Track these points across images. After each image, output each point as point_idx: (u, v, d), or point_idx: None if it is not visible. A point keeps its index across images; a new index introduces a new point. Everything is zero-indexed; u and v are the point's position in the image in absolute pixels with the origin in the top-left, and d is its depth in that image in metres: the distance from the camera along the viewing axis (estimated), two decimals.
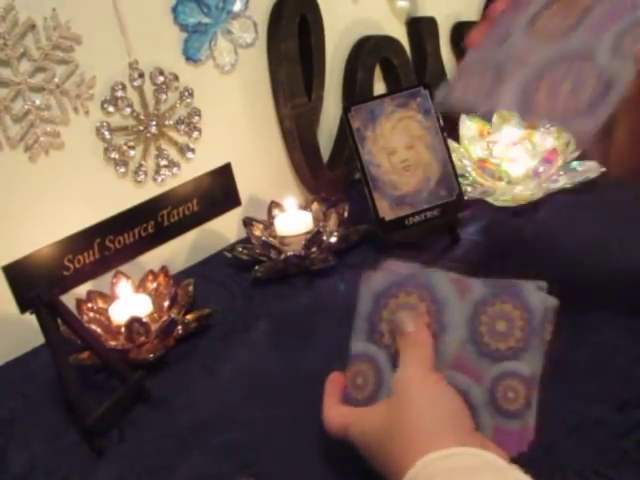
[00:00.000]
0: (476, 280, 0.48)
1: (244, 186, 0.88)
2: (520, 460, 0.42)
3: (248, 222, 0.82)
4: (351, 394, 0.49)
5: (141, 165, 0.78)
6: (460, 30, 1.11)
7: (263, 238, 0.80)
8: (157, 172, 0.79)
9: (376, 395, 0.48)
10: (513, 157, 0.87)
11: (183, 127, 0.80)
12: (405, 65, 1.00)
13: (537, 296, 0.46)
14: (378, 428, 0.44)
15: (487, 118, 0.91)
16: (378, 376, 0.48)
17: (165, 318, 0.67)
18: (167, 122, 0.78)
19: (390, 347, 0.48)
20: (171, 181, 0.81)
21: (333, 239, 0.79)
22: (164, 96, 0.77)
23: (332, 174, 0.94)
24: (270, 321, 0.70)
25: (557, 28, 0.50)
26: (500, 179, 0.85)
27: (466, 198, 0.80)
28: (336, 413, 0.48)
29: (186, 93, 0.79)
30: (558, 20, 0.51)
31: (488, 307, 0.46)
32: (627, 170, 0.51)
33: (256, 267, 0.77)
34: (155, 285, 0.73)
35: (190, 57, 0.79)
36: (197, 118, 0.81)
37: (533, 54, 0.50)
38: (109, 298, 0.71)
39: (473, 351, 0.46)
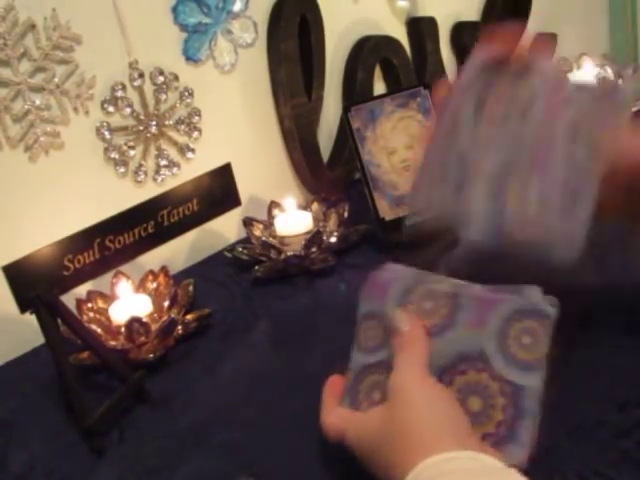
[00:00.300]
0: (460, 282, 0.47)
1: (244, 186, 0.88)
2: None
3: (248, 222, 0.82)
4: (362, 402, 0.47)
5: (141, 165, 0.78)
6: (460, 30, 1.11)
7: (263, 238, 0.80)
8: (157, 172, 0.79)
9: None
10: None
11: (183, 127, 0.80)
12: (405, 65, 1.00)
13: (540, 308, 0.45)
14: (376, 432, 0.44)
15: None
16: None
17: (165, 318, 0.67)
18: (167, 122, 0.78)
19: None
20: (171, 181, 0.81)
21: (333, 239, 0.79)
22: (164, 96, 0.77)
23: (332, 174, 0.94)
24: (270, 321, 0.70)
25: (507, 112, 0.48)
26: None
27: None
28: (334, 416, 0.48)
29: (186, 93, 0.79)
30: (506, 102, 0.48)
31: (503, 334, 0.45)
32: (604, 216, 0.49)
33: (256, 267, 0.77)
34: (155, 285, 0.73)
35: (190, 57, 0.79)
36: (197, 118, 0.81)
37: (488, 150, 0.48)
38: (109, 298, 0.71)
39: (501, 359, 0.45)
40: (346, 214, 0.82)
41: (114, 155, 0.75)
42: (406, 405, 0.43)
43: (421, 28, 1.03)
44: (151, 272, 0.74)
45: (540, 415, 0.44)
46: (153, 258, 0.80)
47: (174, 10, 0.77)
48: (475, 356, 0.45)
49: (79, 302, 0.69)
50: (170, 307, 0.70)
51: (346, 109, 0.78)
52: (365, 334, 0.50)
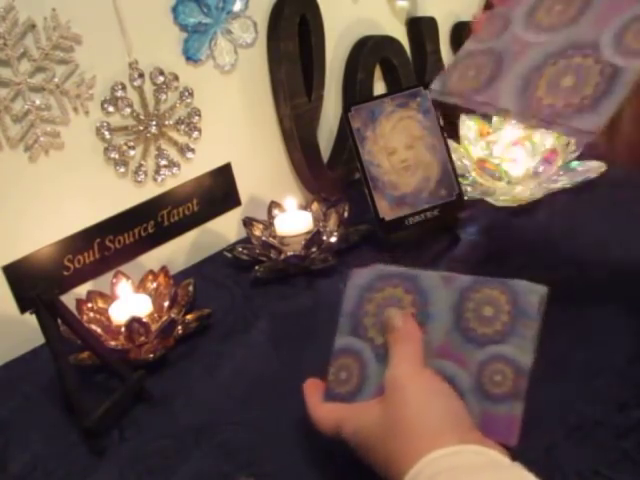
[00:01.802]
0: (464, 275, 0.48)
1: (244, 186, 0.88)
2: (520, 460, 0.42)
3: (248, 222, 0.82)
4: (334, 389, 0.49)
5: (141, 165, 0.78)
6: (460, 30, 1.11)
7: (263, 238, 0.80)
8: (157, 172, 0.79)
9: (361, 389, 0.48)
10: (513, 157, 0.87)
11: (183, 127, 0.80)
12: (405, 65, 1.00)
13: (524, 283, 0.46)
14: (374, 427, 0.43)
15: (481, 115, 0.91)
16: (362, 370, 0.48)
17: (165, 318, 0.67)
18: (167, 122, 0.78)
19: (374, 340, 0.49)
20: (171, 181, 0.81)
21: (333, 239, 0.79)
22: (164, 96, 0.77)
23: (332, 174, 0.94)
24: (270, 321, 0.70)
25: (557, 20, 0.50)
26: (500, 179, 0.85)
27: (466, 198, 0.80)
28: (326, 410, 0.48)
29: (186, 93, 0.79)
30: (558, 11, 0.50)
31: (473, 293, 0.47)
32: (635, 158, 0.50)
33: (256, 267, 0.77)
34: (155, 285, 0.73)
35: (190, 57, 0.79)
36: (197, 118, 0.81)
37: (532, 47, 0.50)
38: (109, 298, 0.71)
39: (459, 337, 0.46)
40: (346, 214, 0.82)
41: (114, 155, 0.75)
42: (404, 400, 0.43)
43: (421, 28, 1.03)
44: (151, 272, 0.74)
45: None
46: (153, 258, 0.80)
47: (174, 10, 0.77)
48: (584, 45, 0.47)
49: (79, 302, 0.69)
50: (170, 307, 0.70)
51: (346, 109, 0.78)
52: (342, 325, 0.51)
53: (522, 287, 0.46)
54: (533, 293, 0.46)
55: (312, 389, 0.50)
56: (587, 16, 0.49)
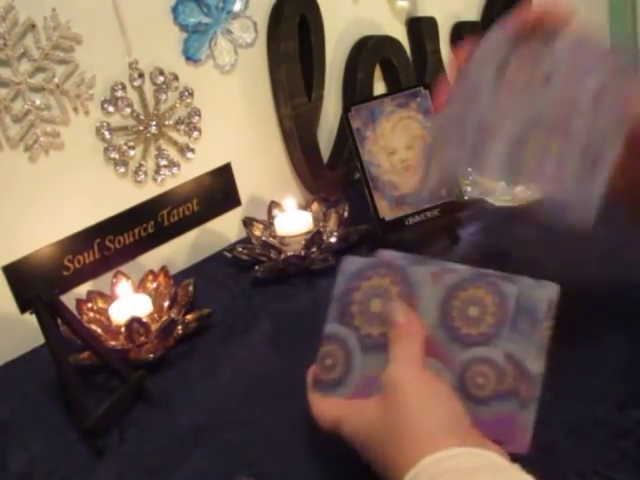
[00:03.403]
0: (455, 265, 0.48)
1: (244, 186, 0.88)
2: (520, 460, 0.41)
3: (248, 222, 0.82)
4: (319, 375, 0.49)
5: (141, 165, 0.78)
6: (460, 30, 1.11)
7: (263, 238, 0.80)
8: (157, 172, 0.79)
9: (345, 378, 0.48)
10: None
11: (183, 127, 0.80)
12: (405, 65, 1.00)
13: (531, 280, 0.45)
14: (374, 427, 0.43)
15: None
16: (347, 358, 0.48)
17: (165, 318, 0.67)
18: (167, 122, 0.78)
19: (360, 329, 0.48)
20: (171, 181, 0.81)
21: (333, 239, 0.79)
22: (164, 96, 0.77)
23: (332, 174, 0.94)
24: (270, 321, 0.70)
25: (529, 78, 0.48)
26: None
27: (466, 198, 0.80)
28: (327, 406, 0.47)
29: (186, 93, 0.79)
30: (528, 69, 0.48)
31: (460, 292, 0.46)
32: (616, 200, 0.49)
33: (256, 267, 0.76)
34: (155, 285, 0.73)
35: (190, 57, 0.79)
36: (197, 118, 0.81)
37: (508, 115, 0.47)
38: (109, 298, 0.71)
39: (444, 335, 0.46)
40: (346, 214, 0.82)
41: (114, 155, 0.75)
42: (404, 402, 0.42)
43: (421, 28, 1.03)
44: (151, 272, 0.74)
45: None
46: (153, 258, 0.80)
47: (174, 10, 0.77)
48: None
49: (79, 302, 0.69)
50: (170, 307, 0.70)
51: (346, 109, 0.78)
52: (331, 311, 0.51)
53: (529, 284, 0.45)
54: (541, 291, 0.45)
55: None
56: (558, 76, 0.46)
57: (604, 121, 0.44)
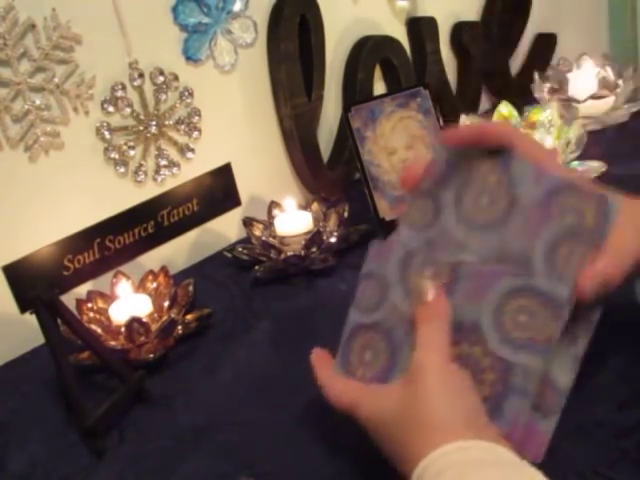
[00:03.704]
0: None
1: (244, 186, 0.88)
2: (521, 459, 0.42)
3: (248, 222, 0.82)
4: (355, 372, 0.47)
5: (141, 165, 0.78)
6: (460, 30, 1.11)
7: (263, 238, 0.80)
8: (157, 172, 0.79)
9: (389, 374, 0.46)
10: None
11: (183, 127, 0.80)
12: (405, 65, 1.00)
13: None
14: (390, 414, 0.43)
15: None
16: (392, 352, 0.46)
17: (165, 318, 0.67)
18: (167, 122, 0.78)
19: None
20: (171, 181, 0.81)
21: (333, 239, 0.79)
22: (164, 96, 0.77)
23: (332, 174, 0.94)
24: (270, 321, 0.70)
25: (485, 217, 0.47)
26: None
27: None
28: (341, 387, 0.47)
29: (186, 93, 0.79)
30: (485, 204, 0.47)
31: (513, 299, 0.44)
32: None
33: (256, 267, 0.76)
34: (155, 285, 0.73)
35: (190, 57, 0.79)
36: (197, 118, 0.81)
37: (469, 247, 0.47)
38: (109, 298, 0.71)
39: (496, 337, 0.44)
40: (346, 214, 0.82)
41: (114, 155, 0.75)
42: (425, 391, 0.42)
43: (421, 28, 1.03)
44: (151, 272, 0.74)
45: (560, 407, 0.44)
46: (153, 258, 0.81)
47: (174, 10, 0.77)
48: (469, 328, 0.44)
49: (79, 302, 0.69)
50: (170, 307, 0.70)
51: (346, 109, 0.78)
52: (363, 293, 0.50)
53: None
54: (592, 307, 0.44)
55: (322, 361, 0.49)
56: (514, 219, 0.45)
57: (557, 284, 0.43)
